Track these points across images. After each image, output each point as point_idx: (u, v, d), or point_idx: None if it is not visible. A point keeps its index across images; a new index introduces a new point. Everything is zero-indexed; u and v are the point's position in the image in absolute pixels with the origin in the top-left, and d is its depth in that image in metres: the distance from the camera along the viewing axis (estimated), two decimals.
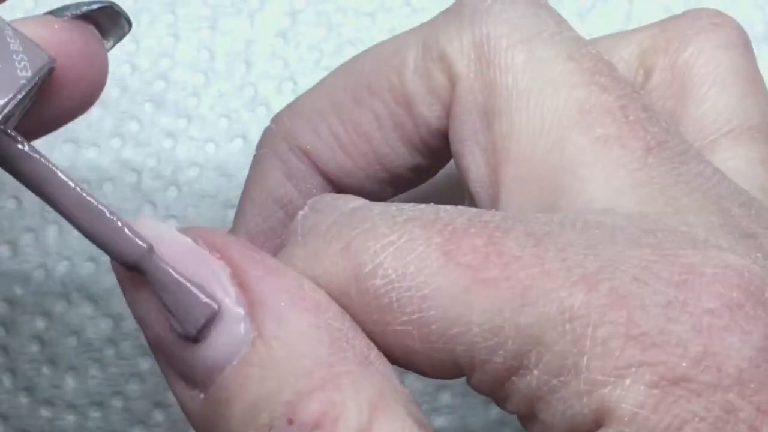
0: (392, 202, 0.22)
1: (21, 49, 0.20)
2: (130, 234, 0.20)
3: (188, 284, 0.20)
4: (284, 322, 0.20)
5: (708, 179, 0.22)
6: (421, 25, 0.25)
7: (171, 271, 0.20)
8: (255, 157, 0.27)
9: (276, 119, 0.27)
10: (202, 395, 0.20)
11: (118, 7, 0.22)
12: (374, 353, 0.20)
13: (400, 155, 0.26)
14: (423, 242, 0.20)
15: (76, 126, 0.35)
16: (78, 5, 0.22)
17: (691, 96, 0.25)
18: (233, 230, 0.28)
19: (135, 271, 0.20)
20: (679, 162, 0.22)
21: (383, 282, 0.20)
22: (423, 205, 0.21)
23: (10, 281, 0.33)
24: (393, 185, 0.26)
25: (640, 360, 0.19)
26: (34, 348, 0.33)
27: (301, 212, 0.22)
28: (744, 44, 0.26)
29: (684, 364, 0.19)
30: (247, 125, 0.35)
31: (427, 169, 0.26)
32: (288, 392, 0.19)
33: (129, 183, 0.34)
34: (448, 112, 0.24)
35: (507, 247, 0.20)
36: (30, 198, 0.34)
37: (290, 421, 0.19)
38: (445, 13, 0.25)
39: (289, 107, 0.27)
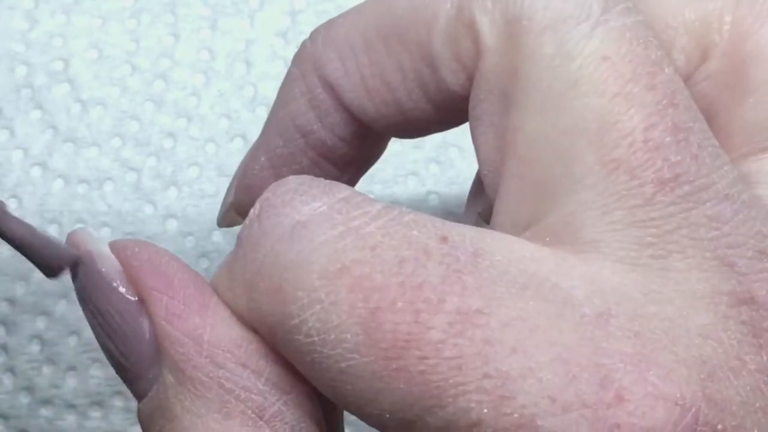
0: None
1: None
2: None
3: (42, 235, 0.20)
4: (179, 377, 0.20)
5: (723, 223, 0.20)
6: None
7: (23, 224, 0.20)
8: (288, 72, 0.26)
9: (313, 37, 0.25)
10: None
11: None
12: (273, 410, 0.20)
13: (424, 111, 0.24)
14: (347, 310, 0.19)
15: (76, 125, 0.35)
16: None
17: (747, 94, 0.23)
18: (256, 144, 0.27)
19: None
20: (694, 201, 0.20)
21: (307, 341, 0.19)
22: (371, 227, 0.19)
23: (10, 281, 0.33)
24: (418, 131, 0.25)
25: None
26: (34, 348, 0.33)
27: (250, 215, 0.21)
28: None
29: None
30: (247, 125, 0.35)
31: (453, 123, 0.25)
32: None
33: (129, 183, 0.34)
34: (472, 81, 0.23)
35: (429, 336, 0.18)
36: (30, 198, 0.34)
37: None
38: None
39: (327, 28, 0.25)
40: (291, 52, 0.36)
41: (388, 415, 0.19)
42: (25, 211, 0.34)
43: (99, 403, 0.32)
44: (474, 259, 0.19)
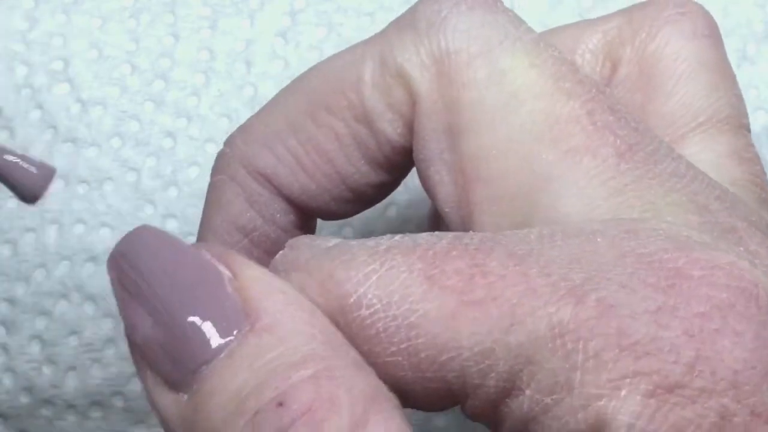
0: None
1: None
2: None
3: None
4: (279, 317, 0.19)
5: (682, 177, 0.22)
6: (374, 38, 0.24)
7: None
8: (211, 184, 0.26)
9: (229, 143, 0.26)
10: (185, 396, 0.20)
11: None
12: (366, 363, 0.20)
13: (364, 174, 0.25)
14: (405, 269, 0.20)
15: (76, 125, 0.35)
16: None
17: (658, 90, 0.25)
18: None
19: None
20: (652, 163, 0.22)
21: (369, 312, 0.20)
22: (399, 236, 0.21)
23: (10, 281, 0.33)
24: (359, 203, 0.26)
25: (633, 370, 0.18)
26: (34, 348, 0.33)
27: (280, 252, 0.21)
28: (711, 33, 0.26)
29: (678, 371, 0.18)
30: None
31: (392, 184, 0.26)
32: (279, 379, 0.19)
33: (129, 182, 0.34)
34: (410, 128, 0.24)
35: (491, 267, 0.19)
36: None
37: (280, 404, 0.18)
38: (398, 25, 0.24)
39: (242, 130, 0.26)
40: (291, 51, 0.36)
41: (466, 353, 0.19)
42: (24, 211, 0.34)
43: (99, 403, 0.32)
44: (484, 240, 0.20)
